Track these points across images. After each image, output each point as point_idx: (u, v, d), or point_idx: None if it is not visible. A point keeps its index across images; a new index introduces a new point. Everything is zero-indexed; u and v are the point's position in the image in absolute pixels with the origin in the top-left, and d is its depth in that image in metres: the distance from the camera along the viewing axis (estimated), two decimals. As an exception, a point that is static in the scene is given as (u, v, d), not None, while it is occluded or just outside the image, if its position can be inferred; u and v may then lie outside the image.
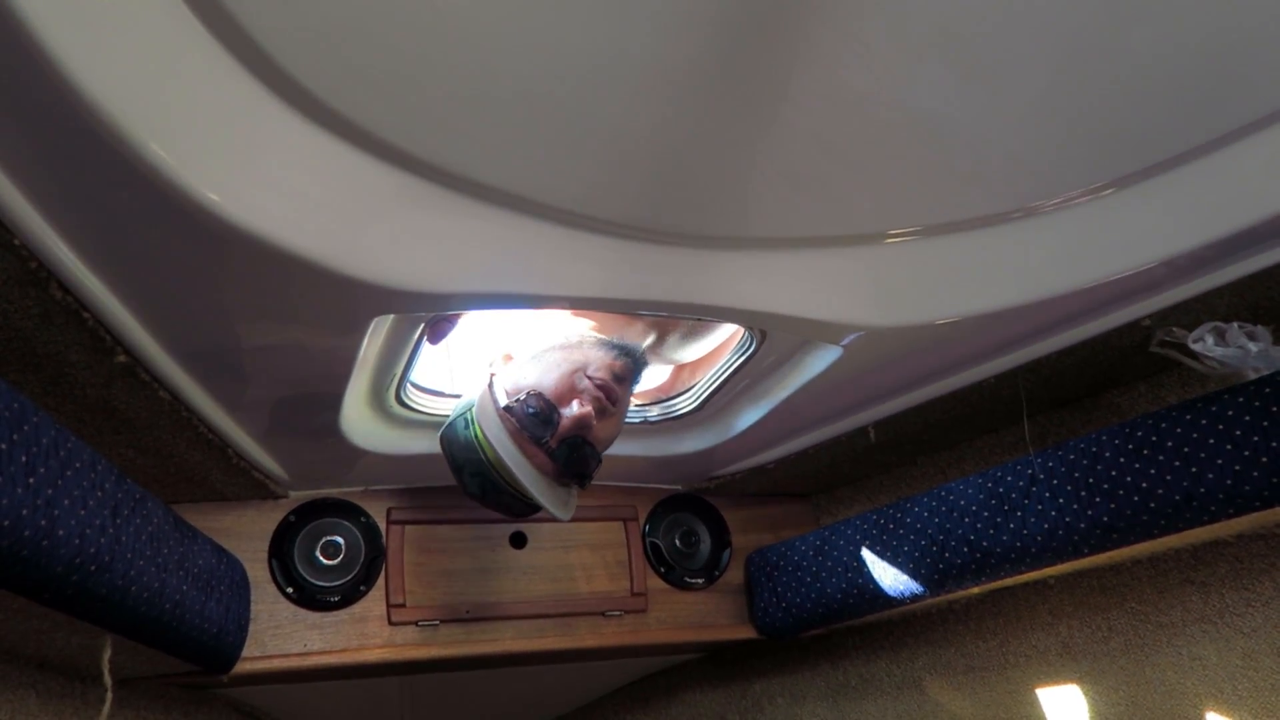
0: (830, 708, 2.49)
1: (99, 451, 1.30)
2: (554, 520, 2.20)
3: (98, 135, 0.92)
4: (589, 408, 1.69)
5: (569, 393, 1.70)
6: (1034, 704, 2.04)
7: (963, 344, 1.69)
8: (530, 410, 1.68)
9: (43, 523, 1.11)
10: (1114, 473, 1.62)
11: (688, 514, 2.48)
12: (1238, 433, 1.48)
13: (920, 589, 1.96)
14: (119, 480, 1.34)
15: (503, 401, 1.71)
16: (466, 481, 1.77)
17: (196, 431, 1.60)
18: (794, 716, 2.57)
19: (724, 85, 1.09)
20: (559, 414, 1.69)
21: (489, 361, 1.81)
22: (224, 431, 1.68)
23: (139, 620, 1.42)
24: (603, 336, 1.77)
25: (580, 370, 1.72)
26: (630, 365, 1.76)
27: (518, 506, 1.79)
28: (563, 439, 1.69)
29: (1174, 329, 1.62)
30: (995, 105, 1.19)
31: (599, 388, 1.71)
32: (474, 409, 1.72)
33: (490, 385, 1.75)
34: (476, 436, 1.69)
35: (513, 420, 1.68)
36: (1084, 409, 2.03)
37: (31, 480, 1.09)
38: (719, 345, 1.96)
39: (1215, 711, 1.74)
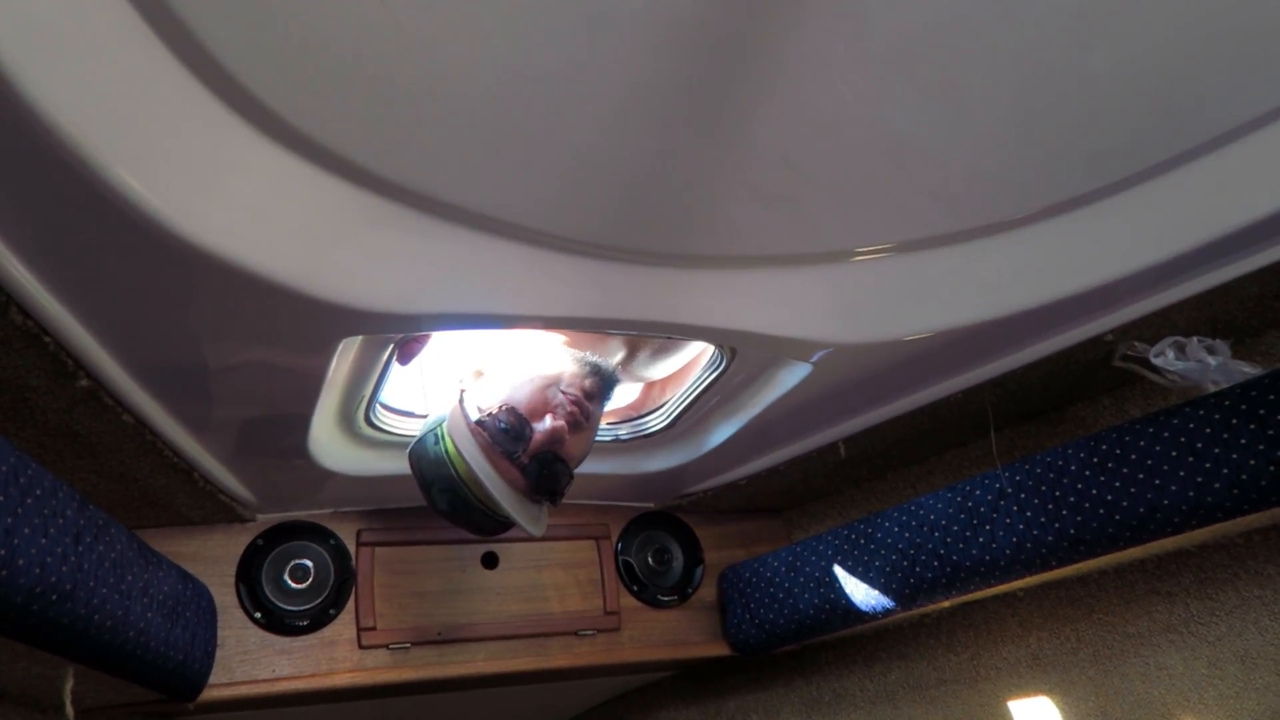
0: (804, 723, 2.50)
1: (60, 477, 1.28)
2: (525, 539, 2.20)
3: (62, 160, 0.91)
4: (561, 422, 1.68)
5: (541, 407, 1.70)
6: (1005, 716, 2.05)
7: (930, 359, 1.71)
8: (502, 425, 1.66)
9: (1, 552, 1.09)
10: (1080, 485, 1.64)
11: (660, 531, 2.48)
12: (1199, 445, 1.51)
13: (892, 603, 1.97)
14: (81, 506, 1.32)
15: (474, 416, 1.69)
16: (435, 498, 1.75)
17: (161, 455, 1.58)
18: (768, 733, 2.57)
19: (690, 105, 1.10)
20: (531, 429, 1.68)
21: (459, 378, 1.80)
22: (189, 454, 1.65)
23: (102, 649, 1.40)
24: (575, 352, 1.77)
25: (552, 385, 1.72)
26: (602, 381, 1.76)
27: (487, 524, 1.78)
28: (535, 454, 1.68)
29: (1136, 343, 1.64)
30: (959, 125, 1.20)
31: (572, 402, 1.70)
32: (445, 424, 1.71)
33: (461, 400, 1.74)
34: (447, 451, 1.68)
35: (484, 435, 1.67)
36: (1050, 422, 2.06)
37: (-10, 509, 1.07)
38: (689, 362, 1.97)
39: (1183, 719, 1.76)
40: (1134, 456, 1.58)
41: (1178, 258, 1.44)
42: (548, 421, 1.68)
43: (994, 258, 1.49)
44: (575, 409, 1.70)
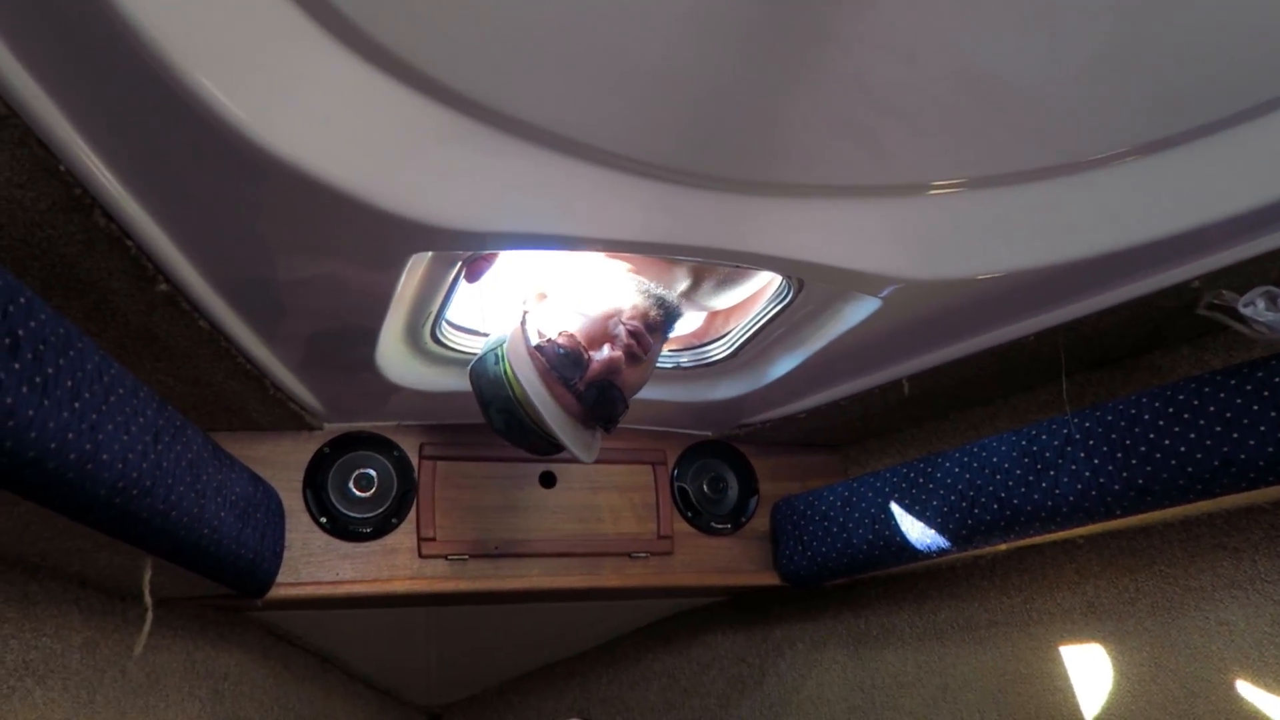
0: (850, 656, 2.52)
1: (139, 379, 1.32)
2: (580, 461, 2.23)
3: (146, 65, 0.91)
4: (619, 353, 1.69)
5: (601, 336, 1.70)
6: (1056, 661, 2.05)
7: (1003, 299, 1.66)
8: (560, 351, 1.68)
9: (87, 446, 1.13)
10: (1152, 435, 1.60)
11: (717, 460, 2.49)
12: (1283, 399, 1.45)
13: (947, 544, 1.96)
14: (160, 407, 1.37)
15: (534, 340, 1.71)
16: (492, 417, 1.79)
17: (235, 361, 1.62)
18: (814, 663, 2.60)
19: (767, 26, 1.07)
20: (589, 356, 1.69)
21: (522, 299, 1.81)
22: (261, 362, 1.70)
23: (178, 544, 1.46)
24: (639, 282, 1.76)
25: (614, 315, 1.72)
26: (664, 315, 1.75)
27: (541, 445, 1.81)
28: (591, 382, 1.69)
29: (1224, 291, 1.58)
30: (1053, 56, 1.15)
31: (631, 334, 1.70)
32: (505, 345, 1.73)
33: (523, 323, 1.75)
34: (505, 373, 1.71)
35: (542, 359, 1.69)
36: (1124, 370, 2.00)
37: (76, 405, 1.11)
38: (754, 293, 1.95)
39: (1241, 676, 1.74)
40: (1212, 408, 1.53)
41: (1275, 204, 1.37)
42: (606, 351, 1.69)
43: (1077, 197, 1.43)
44: (634, 341, 1.71)
